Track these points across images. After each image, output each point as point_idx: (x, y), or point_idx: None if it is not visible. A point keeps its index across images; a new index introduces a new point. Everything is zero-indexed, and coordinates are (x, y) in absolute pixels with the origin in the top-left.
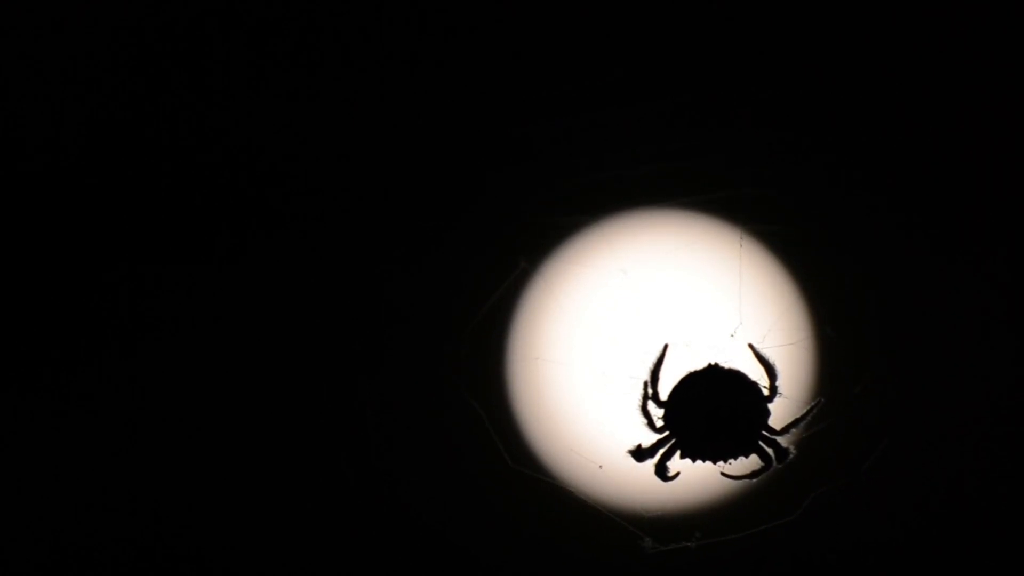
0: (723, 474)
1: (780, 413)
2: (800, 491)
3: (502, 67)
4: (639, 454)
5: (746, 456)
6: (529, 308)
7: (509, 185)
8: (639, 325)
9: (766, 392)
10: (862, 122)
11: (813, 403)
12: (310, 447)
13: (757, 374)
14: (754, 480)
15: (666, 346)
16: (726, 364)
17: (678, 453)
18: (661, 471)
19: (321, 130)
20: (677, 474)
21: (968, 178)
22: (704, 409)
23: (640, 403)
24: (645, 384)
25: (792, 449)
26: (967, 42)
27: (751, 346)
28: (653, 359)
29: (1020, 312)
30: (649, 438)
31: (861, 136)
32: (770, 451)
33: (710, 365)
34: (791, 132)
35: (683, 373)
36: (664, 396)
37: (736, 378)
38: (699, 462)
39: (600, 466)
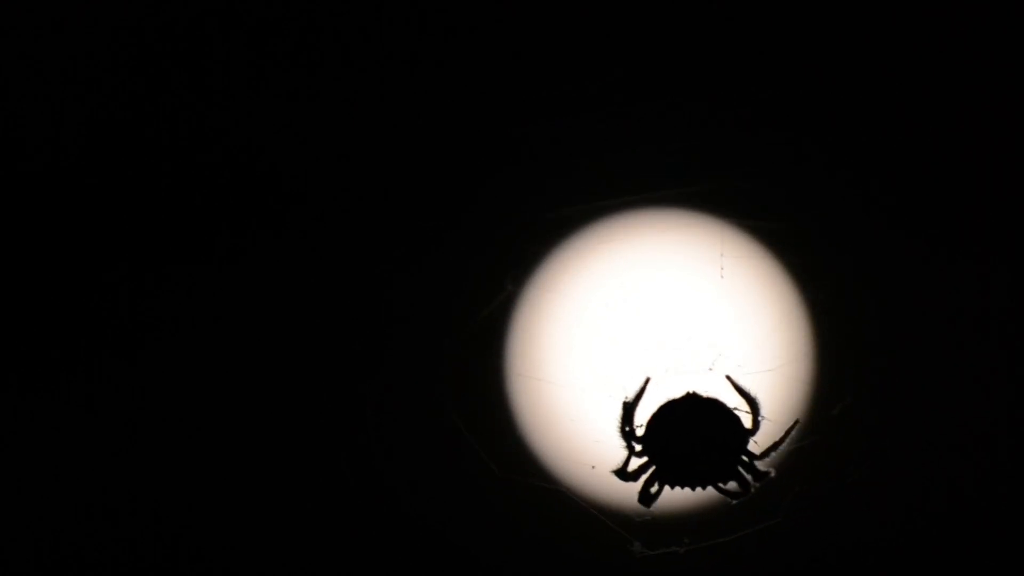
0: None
1: (760, 434)
2: (790, 494)
3: (502, 67)
4: (623, 475)
5: (724, 483)
6: (517, 325)
7: (509, 185)
8: (624, 344)
9: (748, 424)
10: (862, 123)
11: (789, 426)
12: (310, 447)
13: (738, 402)
14: (733, 502)
15: (647, 380)
16: (704, 393)
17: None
18: (644, 498)
19: (321, 130)
20: (658, 492)
21: (968, 179)
22: (682, 438)
23: (619, 428)
24: (624, 413)
25: (772, 472)
26: (967, 42)
27: (729, 378)
28: (633, 393)
29: (1020, 313)
30: (631, 461)
31: (861, 137)
32: (749, 476)
33: (688, 394)
34: (791, 132)
35: (662, 401)
36: (644, 422)
37: (714, 407)
38: (678, 488)
39: (592, 467)
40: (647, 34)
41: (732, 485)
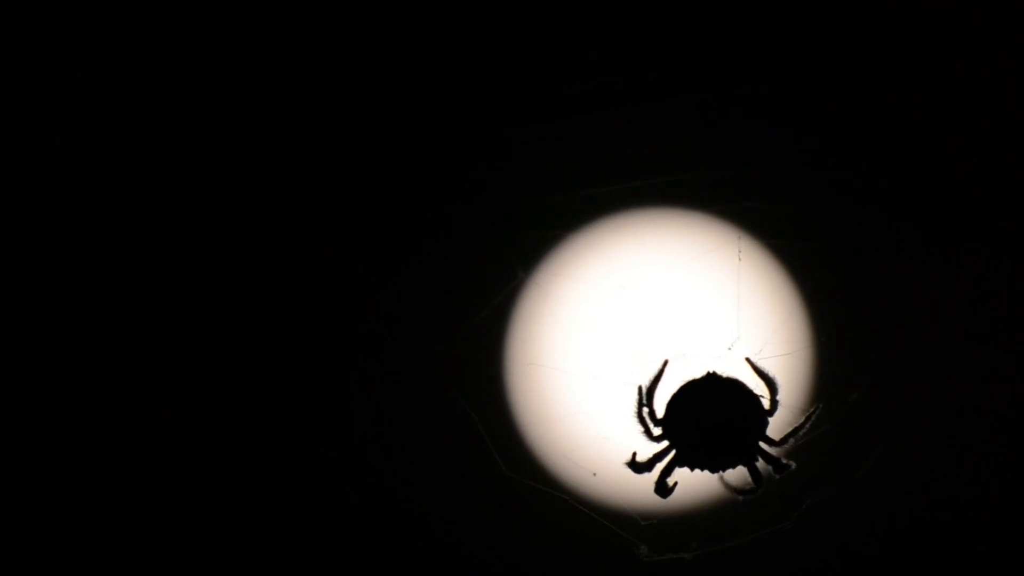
0: (722, 479)
1: (778, 421)
2: (798, 497)
3: (501, 67)
4: (636, 466)
5: (744, 466)
6: (527, 313)
7: (509, 186)
8: (638, 330)
9: (766, 405)
10: (862, 125)
11: (811, 410)
12: (309, 447)
13: (756, 384)
14: (747, 499)
15: (666, 362)
16: (724, 373)
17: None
18: (661, 488)
19: (321, 130)
20: (675, 485)
21: (967, 180)
22: (702, 417)
23: (636, 412)
24: (640, 396)
25: (792, 464)
26: (967, 42)
27: (748, 360)
28: (651, 376)
29: (1019, 314)
30: (646, 448)
31: (862, 140)
32: (768, 467)
33: (708, 374)
34: (791, 133)
35: (681, 382)
36: (662, 406)
37: (735, 386)
38: (696, 471)
39: (594, 474)
40: (646, 34)
41: (746, 481)
